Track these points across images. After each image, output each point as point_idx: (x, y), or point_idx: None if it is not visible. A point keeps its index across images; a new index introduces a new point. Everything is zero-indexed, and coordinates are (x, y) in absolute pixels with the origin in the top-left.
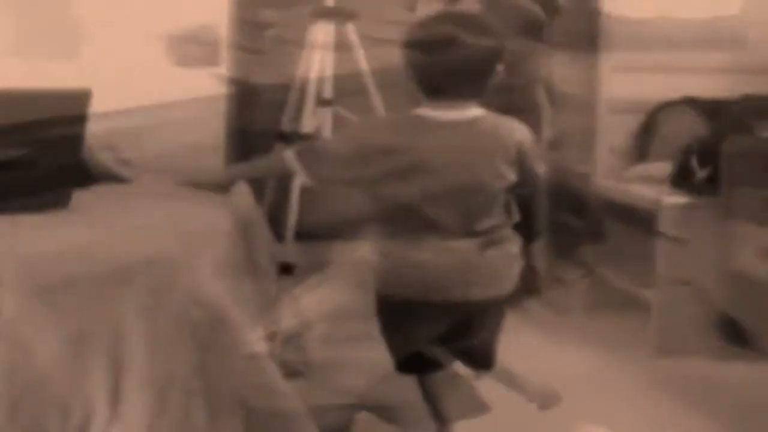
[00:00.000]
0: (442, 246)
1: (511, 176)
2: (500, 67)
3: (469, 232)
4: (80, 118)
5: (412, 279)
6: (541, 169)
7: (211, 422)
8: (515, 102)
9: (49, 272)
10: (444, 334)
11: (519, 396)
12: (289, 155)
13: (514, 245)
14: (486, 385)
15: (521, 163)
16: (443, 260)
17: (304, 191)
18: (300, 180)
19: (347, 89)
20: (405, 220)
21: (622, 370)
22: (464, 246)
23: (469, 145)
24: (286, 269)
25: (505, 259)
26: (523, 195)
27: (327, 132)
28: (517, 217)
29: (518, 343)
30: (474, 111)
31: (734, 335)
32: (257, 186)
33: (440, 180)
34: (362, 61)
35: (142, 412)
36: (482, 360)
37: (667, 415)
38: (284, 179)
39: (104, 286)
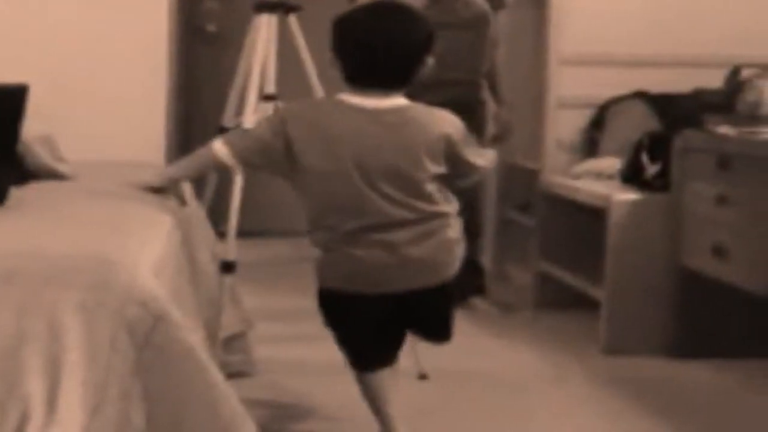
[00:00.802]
0: (379, 240)
1: (436, 168)
2: (429, 60)
3: (402, 222)
4: (16, 114)
5: (352, 274)
6: (480, 162)
7: (149, 423)
8: (460, 96)
9: None
10: (392, 316)
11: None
12: (216, 142)
13: (453, 231)
14: (437, 385)
15: (450, 155)
16: (380, 255)
17: (247, 188)
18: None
19: (291, 84)
20: (331, 208)
21: (572, 368)
22: (400, 238)
23: (386, 132)
24: (227, 267)
25: (444, 247)
26: (462, 189)
27: None
28: (456, 206)
29: (467, 341)
30: (397, 101)
31: (685, 334)
32: (198, 183)
33: (356, 160)
34: (305, 55)
35: (79, 413)
36: (440, 333)
37: (617, 412)
38: (225, 176)
39: (42, 283)
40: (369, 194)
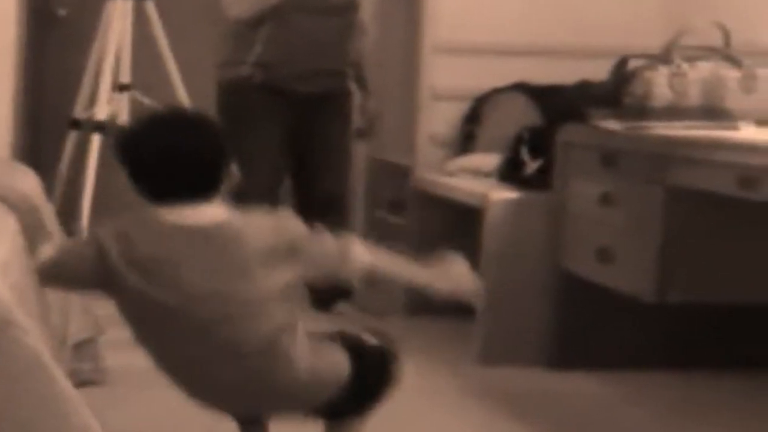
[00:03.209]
0: (203, 374)
1: (285, 275)
2: (232, 168)
3: (229, 354)
4: None
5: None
6: (350, 251)
7: None
8: (329, 87)
9: None
10: None
11: None
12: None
13: (303, 343)
14: None
15: (298, 257)
16: (233, 376)
17: (99, 188)
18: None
19: (148, 73)
20: (150, 337)
21: (446, 379)
22: (226, 376)
23: (207, 252)
24: None
25: (295, 370)
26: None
27: (124, 118)
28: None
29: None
30: (216, 214)
31: (566, 344)
32: (48, 180)
33: (175, 285)
34: (163, 42)
35: None
36: None
37: (491, 427)
38: (76, 173)
39: None
40: (190, 323)
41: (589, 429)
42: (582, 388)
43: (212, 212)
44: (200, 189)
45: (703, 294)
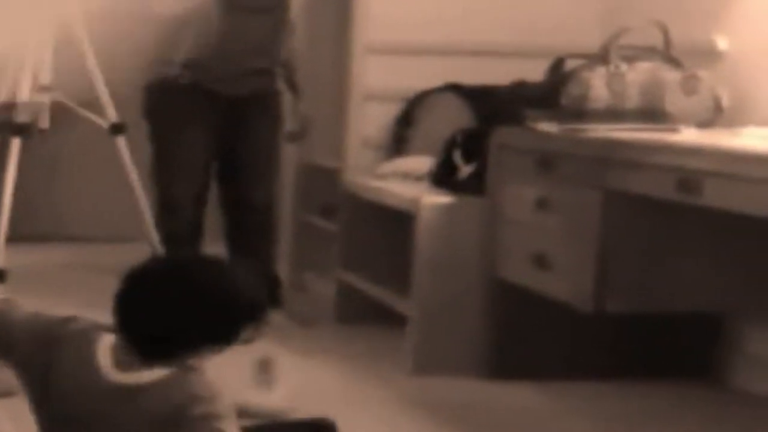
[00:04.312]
0: None
1: None
2: (213, 349)
3: None
4: None
5: None
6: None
7: None
8: (258, 87)
9: None
10: None
11: None
12: None
13: None
14: None
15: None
16: None
17: (18, 191)
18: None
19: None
20: None
21: (377, 389)
22: None
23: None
24: None
25: None
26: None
27: (45, 123)
28: None
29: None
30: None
31: (501, 353)
32: None
33: None
34: (84, 40)
35: None
36: None
37: None
38: None
39: None
40: None
41: None
42: (518, 398)
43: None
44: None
45: (641, 302)
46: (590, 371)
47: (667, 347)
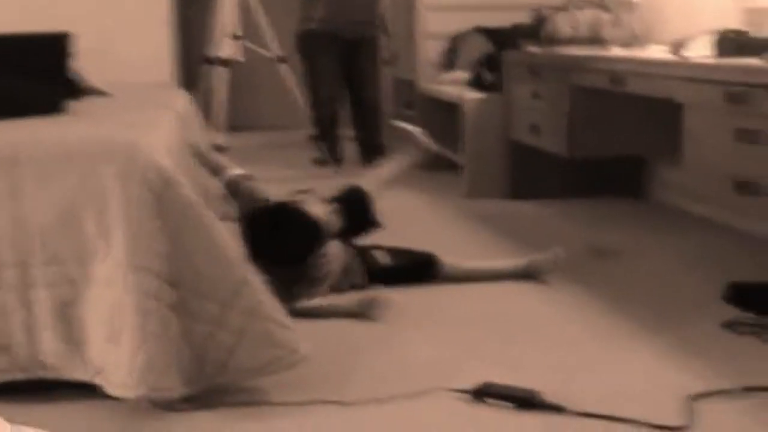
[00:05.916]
0: None
1: None
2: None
3: None
4: (64, 51)
5: None
6: None
7: (170, 251)
8: (365, 33)
9: (54, 151)
10: None
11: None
12: None
13: None
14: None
15: None
16: None
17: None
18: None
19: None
20: None
21: (444, 207)
22: None
23: None
24: (218, 149)
25: None
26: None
27: (241, 57)
28: None
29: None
30: None
31: (516, 183)
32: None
33: None
34: (259, 9)
35: (123, 242)
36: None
37: (477, 233)
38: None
39: (94, 160)
40: None
41: (531, 234)
42: (527, 209)
43: None
44: None
45: (596, 150)
46: (566, 193)
47: (612, 177)
